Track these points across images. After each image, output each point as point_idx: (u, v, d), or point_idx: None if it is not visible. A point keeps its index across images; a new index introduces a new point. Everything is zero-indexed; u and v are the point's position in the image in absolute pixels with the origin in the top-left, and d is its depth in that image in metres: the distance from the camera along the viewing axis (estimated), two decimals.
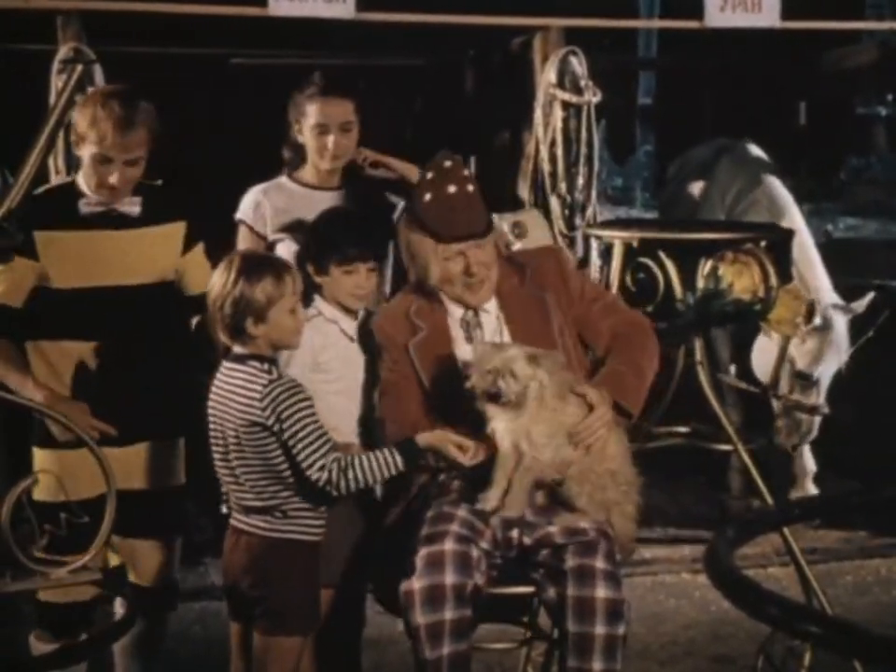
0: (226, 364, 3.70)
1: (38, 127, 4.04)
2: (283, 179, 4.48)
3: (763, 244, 4.30)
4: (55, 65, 5.37)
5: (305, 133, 4.38)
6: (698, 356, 4.32)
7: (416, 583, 3.56)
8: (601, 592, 3.58)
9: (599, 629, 3.56)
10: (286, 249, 4.33)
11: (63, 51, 5.39)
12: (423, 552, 3.60)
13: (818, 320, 5.96)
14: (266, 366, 3.62)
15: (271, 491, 3.64)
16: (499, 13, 6.09)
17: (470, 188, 3.86)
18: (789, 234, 4.66)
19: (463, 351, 3.88)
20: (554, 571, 3.66)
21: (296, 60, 7.68)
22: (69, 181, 4.12)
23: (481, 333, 3.91)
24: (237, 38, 7.35)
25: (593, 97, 5.94)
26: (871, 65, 7.52)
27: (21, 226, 3.76)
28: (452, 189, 3.81)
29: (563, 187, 5.97)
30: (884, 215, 11.52)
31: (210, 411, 3.72)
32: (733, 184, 6.52)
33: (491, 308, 3.94)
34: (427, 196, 3.83)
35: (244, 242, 4.38)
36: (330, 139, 4.35)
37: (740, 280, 4.23)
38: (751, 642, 4.51)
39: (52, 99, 5.10)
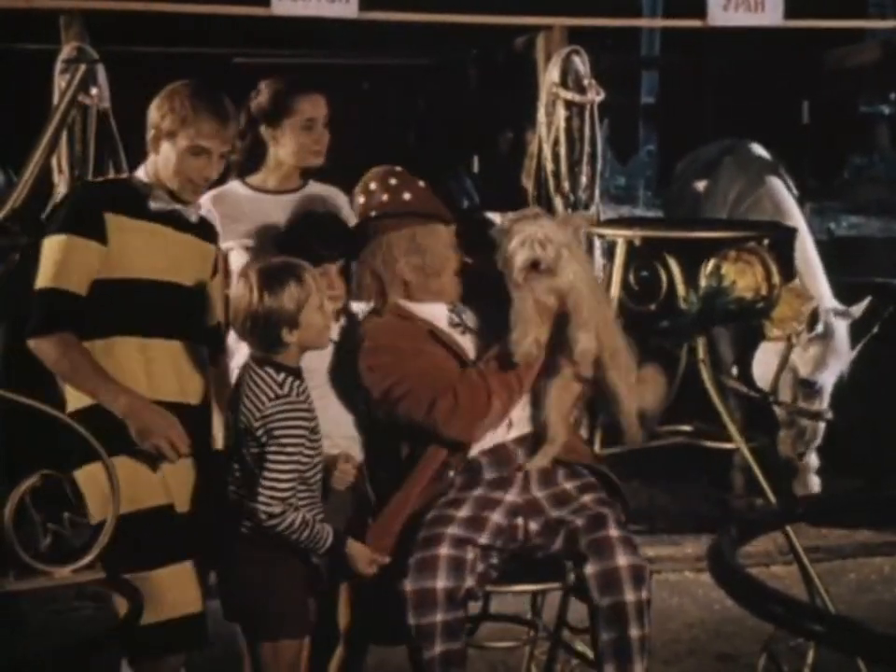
0: (248, 363, 3.65)
1: (42, 127, 4.04)
2: (235, 184, 4.33)
3: (765, 242, 4.29)
4: (58, 65, 5.36)
5: (287, 132, 4.27)
6: (701, 354, 4.31)
7: (409, 586, 3.57)
8: (622, 560, 3.61)
9: (629, 596, 3.60)
10: (238, 257, 4.18)
11: (66, 51, 5.38)
12: (418, 555, 3.61)
13: (820, 327, 5.96)
14: (281, 377, 3.55)
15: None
16: (502, 12, 6.09)
17: None
18: (791, 232, 4.66)
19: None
20: (574, 555, 3.67)
21: (299, 59, 7.69)
22: (125, 178, 3.95)
23: (465, 318, 3.94)
24: (240, 38, 7.36)
25: (596, 96, 5.94)
26: (873, 64, 7.52)
27: (94, 210, 3.69)
28: (422, 183, 3.94)
29: (566, 186, 5.97)
30: (886, 213, 11.54)
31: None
32: (735, 184, 6.51)
33: None
34: (407, 194, 3.89)
35: None
36: (318, 134, 4.32)
37: (743, 278, 4.22)
38: (755, 640, 4.51)
39: (55, 99, 5.10)
